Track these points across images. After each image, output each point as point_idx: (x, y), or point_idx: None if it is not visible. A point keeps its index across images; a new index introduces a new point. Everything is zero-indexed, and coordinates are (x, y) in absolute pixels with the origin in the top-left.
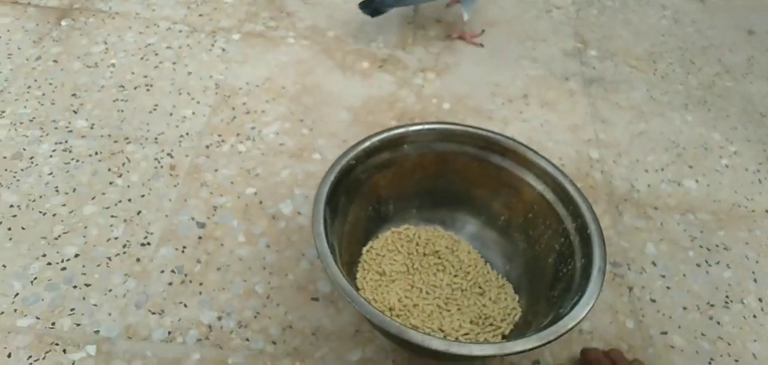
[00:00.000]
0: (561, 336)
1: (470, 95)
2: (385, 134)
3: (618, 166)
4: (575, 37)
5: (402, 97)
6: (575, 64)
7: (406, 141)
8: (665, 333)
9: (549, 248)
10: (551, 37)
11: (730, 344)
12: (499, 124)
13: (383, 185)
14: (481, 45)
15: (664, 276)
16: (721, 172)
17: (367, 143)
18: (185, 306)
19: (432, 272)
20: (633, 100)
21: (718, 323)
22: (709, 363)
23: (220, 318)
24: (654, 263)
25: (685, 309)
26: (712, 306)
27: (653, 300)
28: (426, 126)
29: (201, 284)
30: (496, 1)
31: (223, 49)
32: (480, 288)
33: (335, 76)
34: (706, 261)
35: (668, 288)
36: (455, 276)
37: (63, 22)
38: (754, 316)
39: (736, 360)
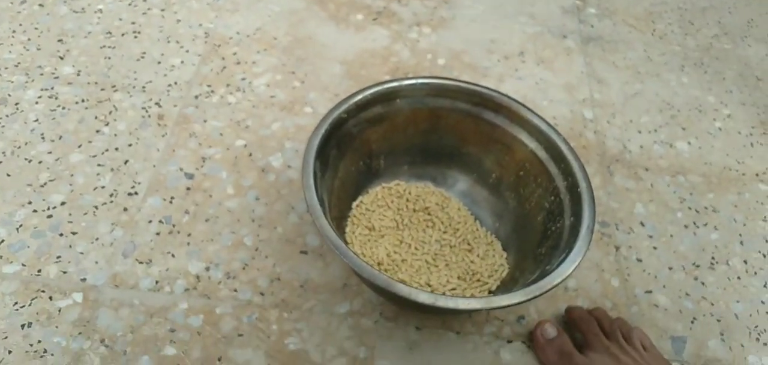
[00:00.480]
0: (546, 291)
1: (466, 50)
2: (378, 88)
3: (611, 126)
4: None
5: (396, 51)
6: (573, 22)
7: (398, 95)
8: (650, 292)
9: (539, 207)
10: None
11: (713, 304)
12: (494, 81)
13: (375, 140)
14: None
15: (651, 237)
16: (713, 135)
17: (359, 97)
18: (173, 256)
19: (421, 228)
20: (629, 60)
21: (703, 283)
22: (692, 321)
23: (208, 269)
24: (642, 224)
25: (670, 269)
26: (698, 266)
27: (639, 260)
28: (419, 80)
29: (189, 235)
30: None
31: None
32: (468, 244)
33: (328, 28)
34: (694, 223)
35: (655, 248)
36: (444, 232)
37: None
38: (738, 277)
39: (719, 320)
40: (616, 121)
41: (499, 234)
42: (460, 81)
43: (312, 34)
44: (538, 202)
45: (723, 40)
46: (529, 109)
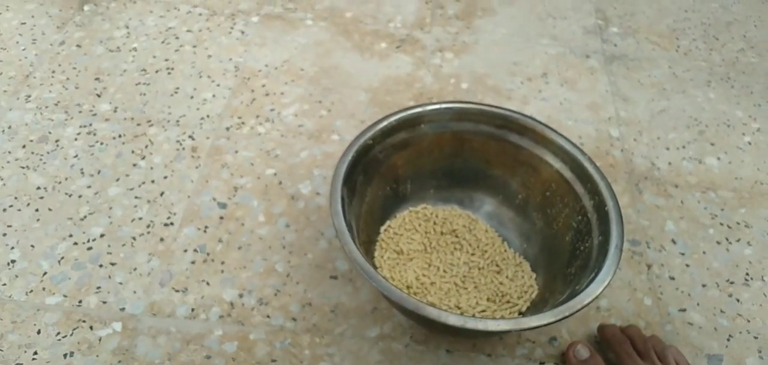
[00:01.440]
0: (576, 311)
1: (489, 74)
2: (402, 114)
3: (638, 144)
4: (596, 14)
5: (420, 77)
6: (596, 41)
7: (423, 121)
8: (684, 310)
9: (566, 227)
10: (572, 14)
11: (749, 321)
12: (518, 103)
13: (401, 165)
14: None
15: (683, 254)
16: (743, 149)
17: (384, 123)
18: (208, 283)
19: (449, 250)
20: (655, 77)
21: (738, 300)
22: (728, 339)
23: (241, 296)
24: (673, 241)
25: (704, 286)
26: (732, 283)
27: (672, 278)
28: (443, 105)
29: (223, 262)
30: None
31: (243, 32)
32: (497, 266)
33: (353, 58)
34: (727, 239)
35: (687, 265)
36: (472, 254)
37: (85, 7)
38: None
39: (756, 337)
40: (643, 138)
41: (528, 255)
42: (483, 104)
43: (337, 64)
44: (566, 222)
45: (749, 53)
46: (553, 130)
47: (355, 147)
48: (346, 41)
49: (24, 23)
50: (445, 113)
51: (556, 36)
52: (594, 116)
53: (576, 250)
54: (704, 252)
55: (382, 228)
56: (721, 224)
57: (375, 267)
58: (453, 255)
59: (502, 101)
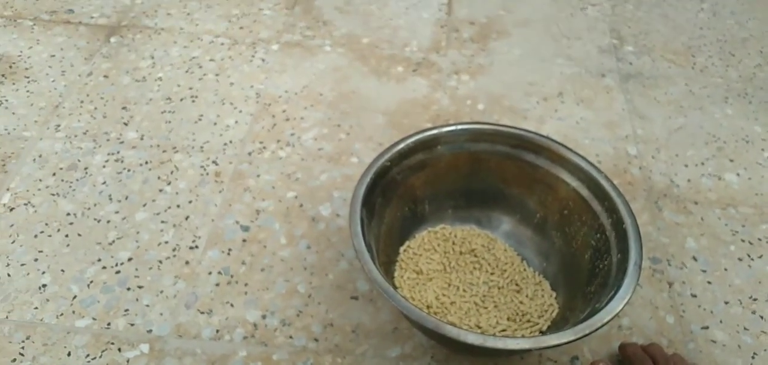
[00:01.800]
0: (597, 329)
1: (505, 94)
2: (419, 136)
3: (657, 161)
4: (611, 34)
5: (436, 99)
6: (611, 60)
7: (439, 142)
8: (706, 327)
9: (585, 245)
10: (586, 34)
11: None
12: (535, 123)
13: (419, 186)
14: None
15: (705, 271)
16: (763, 165)
17: (402, 145)
18: (232, 305)
19: (468, 270)
20: (671, 95)
21: (762, 317)
22: (753, 357)
23: (264, 317)
24: (695, 259)
25: (726, 303)
26: (755, 300)
27: (694, 295)
28: (459, 127)
29: (246, 284)
30: (530, 2)
31: (263, 60)
32: (517, 285)
33: (371, 82)
34: (749, 255)
35: (709, 282)
36: (492, 273)
37: (112, 39)
38: None
39: None
40: (661, 156)
41: (547, 274)
42: (499, 125)
43: (355, 89)
44: (585, 240)
45: (766, 69)
46: (568, 148)
47: (373, 169)
48: (363, 66)
49: (53, 55)
50: (461, 134)
51: (571, 56)
52: (611, 134)
53: (595, 268)
54: (726, 269)
55: (402, 249)
56: (743, 240)
57: (395, 288)
58: (472, 275)
59: (519, 121)
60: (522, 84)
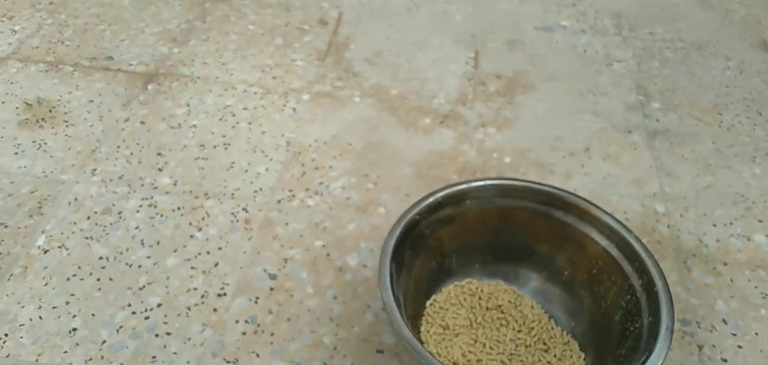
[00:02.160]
0: None
1: (531, 148)
2: (448, 190)
3: (685, 220)
4: (637, 90)
5: (463, 151)
6: (638, 117)
7: (468, 197)
8: None
9: (615, 306)
10: (612, 90)
11: None
12: (561, 178)
13: (446, 240)
14: None
15: (735, 335)
16: None
17: (431, 199)
18: (257, 355)
19: (495, 326)
20: (699, 153)
21: None
22: None
23: None
24: (724, 322)
25: None
26: None
27: (724, 360)
28: (487, 182)
29: (272, 334)
30: (556, 56)
31: (294, 109)
32: (544, 344)
33: (398, 133)
34: None
35: (740, 347)
36: (519, 331)
37: (149, 87)
38: None
39: None
40: (690, 214)
41: (576, 334)
42: (527, 181)
43: (383, 139)
44: (614, 301)
45: None
46: (598, 207)
47: (402, 222)
48: (391, 117)
49: (92, 101)
50: (489, 189)
51: (597, 111)
52: (638, 191)
53: (626, 330)
54: (757, 333)
55: (428, 302)
56: None
57: (421, 343)
58: (499, 332)
59: (545, 175)
60: (548, 138)
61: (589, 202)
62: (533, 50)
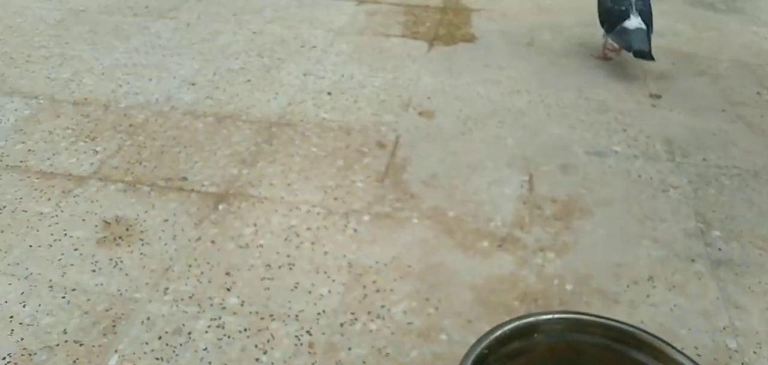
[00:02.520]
0: None
1: (592, 275)
2: (516, 323)
3: (759, 357)
4: (696, 217)
5: (523, 276)
6: (699, 245)
7: (537, 330)
8: None
9: None
10: (670, 217)
11: None
12: (626, 308)
13: None
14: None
15: None
16: None
17: (499, 332)
18: None
19: None
20: (765, 284)
21: None
22: None
23: None
24: None
25: None
26: None
27: None
28: (556, 316)
29: None
30: (610, 181)
31: (355, 230)
32: None
33: (457, 256)
34: None
35: None
36: None
37: (220, 206)
38: None
39: None
40: (764, 351)
41: None
42: (596, 316)
43: (442, 262)
44: None
45: None
46: (672, 346)
47: (471, 357)
48: (449, 239)
49: (166, 220)
50: (559, 323)
51: (656, 238)
52: (708, 324)
53: None
54: None
55: None
56: None
57: None
58: None
59: (610, 306)
60: (609, 265)
61: (662, 340)
62: (587, 174)
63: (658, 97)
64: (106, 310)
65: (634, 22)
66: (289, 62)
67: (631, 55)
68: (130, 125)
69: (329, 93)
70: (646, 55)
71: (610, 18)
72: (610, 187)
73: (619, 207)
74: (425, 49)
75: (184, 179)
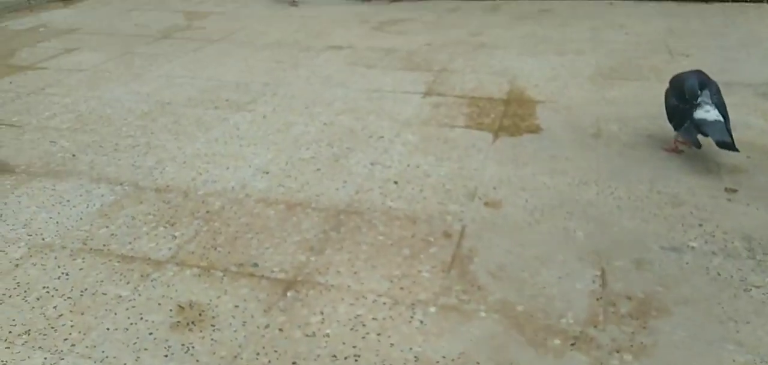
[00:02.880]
0: None
1: None
2: None
3: None
4: None
5: None
6: None
7: None
8: None
9: None
10: (755, 318)
11: None
12: None
13: None
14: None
15: None
16: None
17: None
18: None
19: None
20: None
21: None
22: None
23: None
24: None
25: None
26: None
27: None
28: None
29: None
30: (687, 279)
31: (421, 322)
32: None
33: (528, 354)
34: None
35: None
36: None
37: (288, 293)
38: None
39: None
40: None
41: None
42: None
43: (512, 360)
44: None
45: None
46: None
47: None
48: (519, 335)
49: (237, 306)
50: None
51: (741, 342)
52: None
53: None
54: None
55: None
56: None
57: None
58: None
59: None
60: None
61: None
62: (663, 271)
63: (734, 191)
64: None
65: (712, 114)
66: (358, 152)
67: (701, 149)
68: (207, 211)
69: (396, 182)
70: (730, 146)
71: (677, 115)
72: (689, 285)
73: (698, 307)
74: (490, 139)
75: (255, 265)
